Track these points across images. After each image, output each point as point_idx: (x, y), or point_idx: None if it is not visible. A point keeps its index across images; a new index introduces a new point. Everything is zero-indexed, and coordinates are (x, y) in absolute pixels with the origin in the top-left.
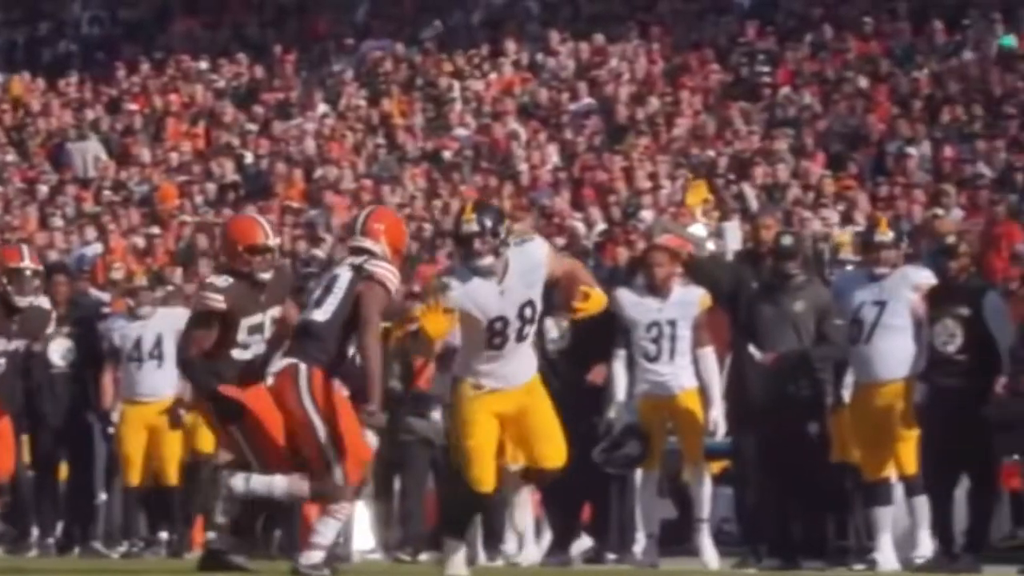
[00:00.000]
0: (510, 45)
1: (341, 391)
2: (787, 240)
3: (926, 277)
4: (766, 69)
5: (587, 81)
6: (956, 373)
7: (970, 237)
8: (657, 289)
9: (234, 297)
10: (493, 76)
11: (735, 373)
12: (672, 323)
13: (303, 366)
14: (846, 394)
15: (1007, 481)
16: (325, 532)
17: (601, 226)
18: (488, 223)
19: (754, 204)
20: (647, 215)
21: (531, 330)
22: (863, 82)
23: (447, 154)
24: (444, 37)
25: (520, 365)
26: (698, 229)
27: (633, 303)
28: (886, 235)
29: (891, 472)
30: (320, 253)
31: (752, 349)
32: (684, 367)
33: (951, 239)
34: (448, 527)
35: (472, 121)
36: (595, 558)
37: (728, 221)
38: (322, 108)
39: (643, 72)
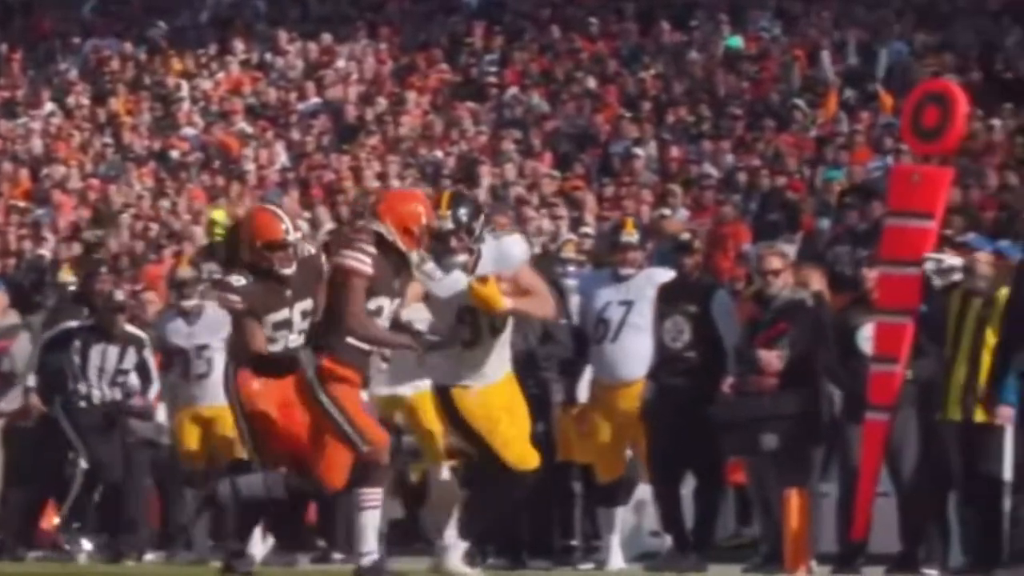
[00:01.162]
0: (238, 44)
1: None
2: None
3: (671, 277)
4: (494, 69)
5: (315, 81)
6: (683, 371)
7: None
8: None
9: (252, 296)
10: (221, 75)
11: None
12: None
13: (310, 356)
14: (581, 393)
15: (732, 475)
16: (367, 530)
17: (329, 225)
18: (463, 219)
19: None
20: None
21: (503, 324)
22: (591, 83)
23: (175, 153)
24: (172, 36)
25: (497, 361)
26: None
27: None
28: (632, 236)
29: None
30: (46, 253)
31: None
32: None
33: (686, 235)
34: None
35: (200, 121)
36: (322, 558)
37: None
38: (49, 107)
39: (371, 72)
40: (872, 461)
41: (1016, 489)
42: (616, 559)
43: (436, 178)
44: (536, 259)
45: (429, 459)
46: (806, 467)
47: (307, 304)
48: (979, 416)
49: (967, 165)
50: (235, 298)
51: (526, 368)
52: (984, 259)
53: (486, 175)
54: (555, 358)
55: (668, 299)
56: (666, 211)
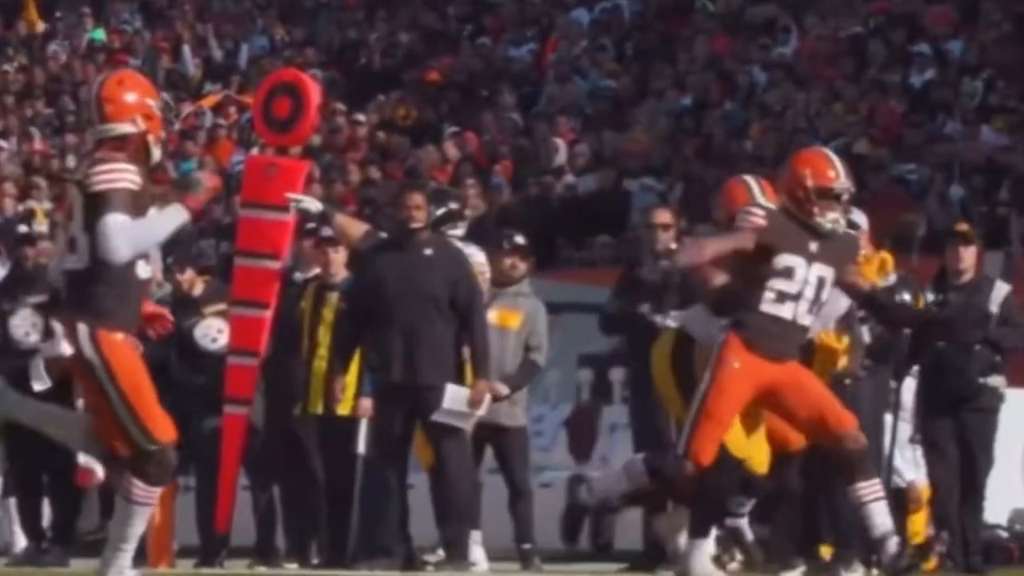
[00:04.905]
0: None
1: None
2: None
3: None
4: None
5: None
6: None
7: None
8: None
9: (778, 223)
10: None
11: None
12: None
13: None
14: None
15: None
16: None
17: None
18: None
19: None
20: None
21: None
22: None
23: None
24: None
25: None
26: None
27: None
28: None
29: None
30: None
31: None
32: None
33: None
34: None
35: None
36: None
37: None
38: None
39: None
40: (232, 454)
41: (366, 477)
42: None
43: None
44: None
45: None
46: None
47: (826, 271)
48: (342, 409)
49: (331, 160)
50: (760, 213)
51: None
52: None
53: None
54: None
55: (7, 292)
56: (32, 204)
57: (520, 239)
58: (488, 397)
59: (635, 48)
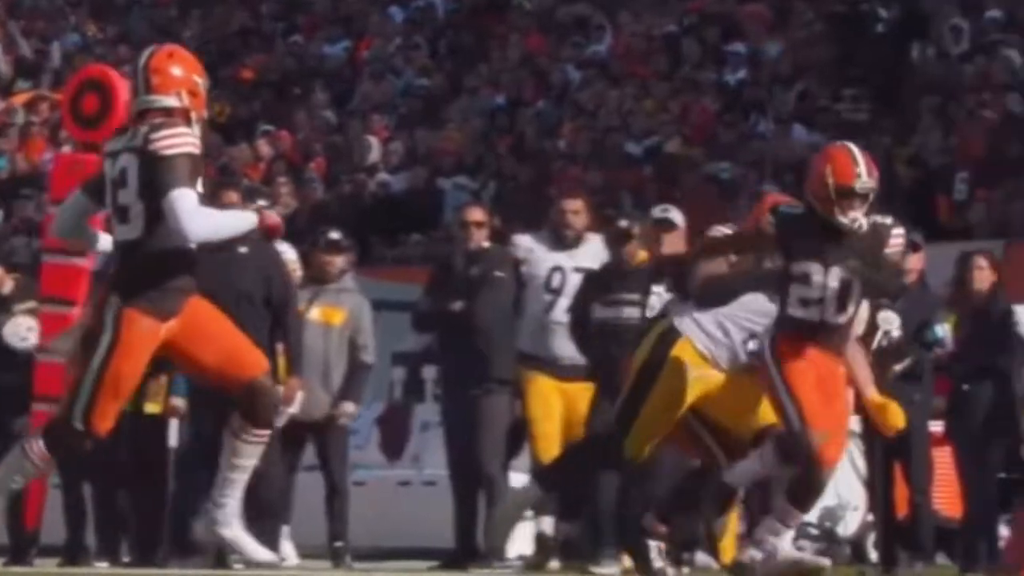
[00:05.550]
0: None
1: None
2: None
3: None
4: None
5: None
6: None
7: None
8: None
9: (793, 227)
10: None
11: None
12: None
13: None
14: None
15: None
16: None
17: None
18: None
19: None
20: None
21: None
22: None
23: None
24: None
25: None
26: None
27: None
28: None
29: None
30: None
31: None
32: None
33: None
34: None
35: None
36: None
37: None
38: None
39: None
40: None
41: (179, 476)
42: None
43: None
44: None
45: None
46: None
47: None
48: (153, 407)
49: None
50: (770, 219)
51: None
52: None
53: None
54: None
55: None
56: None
57: (336, 235)
58: (300, 394)
59: (449, 46)
